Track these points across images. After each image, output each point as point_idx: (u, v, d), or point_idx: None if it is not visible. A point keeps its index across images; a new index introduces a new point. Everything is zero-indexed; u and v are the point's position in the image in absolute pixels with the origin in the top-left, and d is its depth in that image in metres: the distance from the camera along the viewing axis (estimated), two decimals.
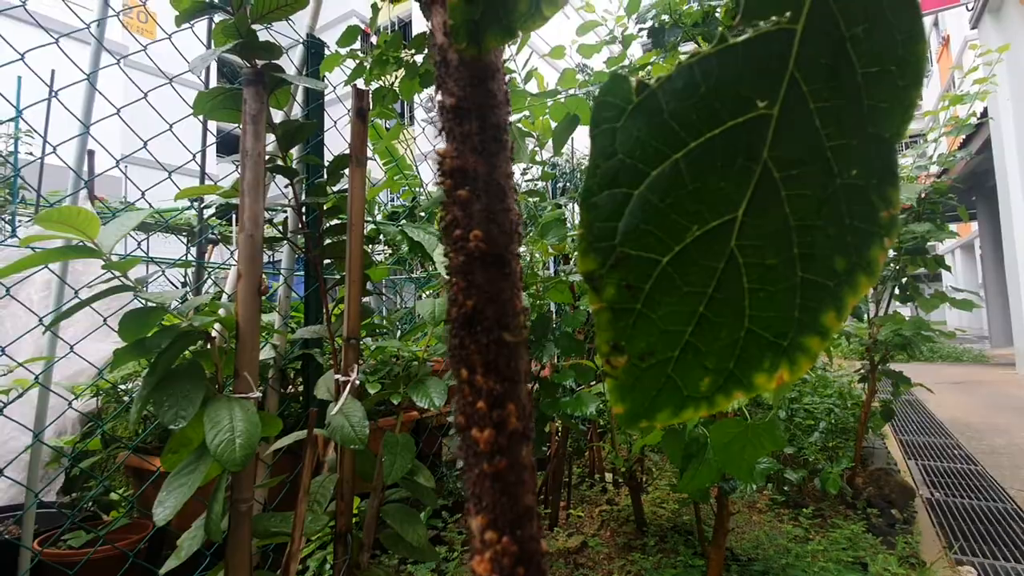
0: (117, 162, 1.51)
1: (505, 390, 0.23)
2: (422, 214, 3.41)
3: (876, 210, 0.21)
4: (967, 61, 10.98)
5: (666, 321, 0.22)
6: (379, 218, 3.47)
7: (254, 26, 1.14)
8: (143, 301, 0.99)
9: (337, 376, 1.22)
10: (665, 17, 1.96)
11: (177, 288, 3.90)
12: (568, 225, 3.45)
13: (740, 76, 0.21)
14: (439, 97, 0.24)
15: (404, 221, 3.56)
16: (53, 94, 1.41)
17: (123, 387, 2.07)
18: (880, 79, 0.21)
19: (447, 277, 0.24)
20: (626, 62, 2.73)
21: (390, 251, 3.38)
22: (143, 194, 1.58)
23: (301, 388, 2.11)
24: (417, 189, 3.62)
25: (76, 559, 1.55)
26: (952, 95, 2.65)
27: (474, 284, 0.24)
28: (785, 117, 0.21)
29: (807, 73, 0.21)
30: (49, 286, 2.77)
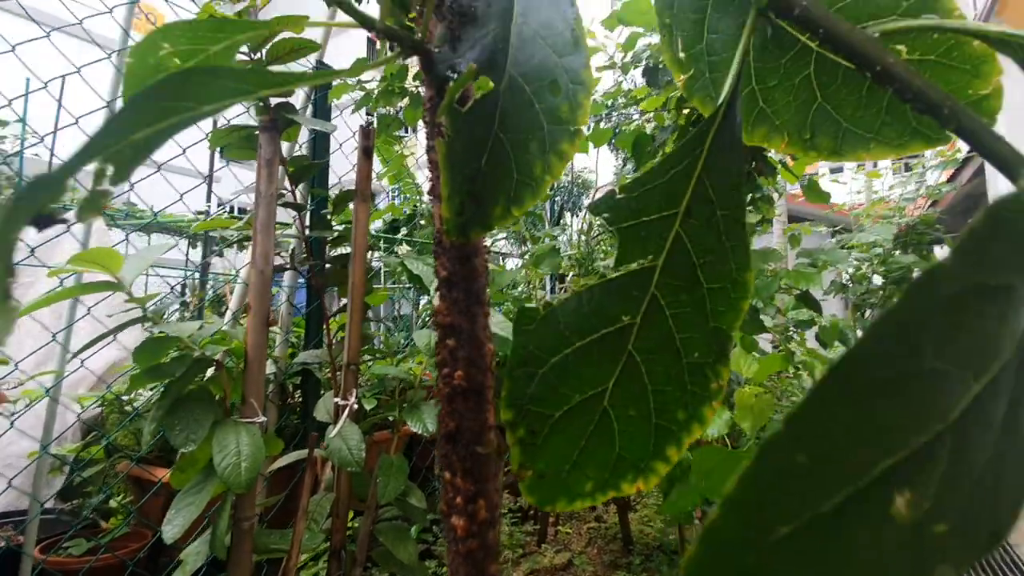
0: (131, 186, 1.58)
1: (477, 489, 0.31)
2: (422, 222, 3.48)
3: (709, 381, 0.31)
4: None
5: (558, 451, 0.32)
6: (379, 225, 3.55)
7: (270, 67, 1.22)
8: (157, 332, 1.05)
9: (336, 399, 1.29)
10: (660, 56, 2.04)
11: (173, 290, 3.95)
12: (564, 245, 3.52)
13: (612, 301, 0.31)
14: (437, 267, 0.32)
15: (404, 231, 3.64)
16: (75, 120, 1.48)
17: (125, 397, 2.13)
18: (720, 293, 0.31)
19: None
20: (625, 88, 2.81)
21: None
22: (155, 216, 1.64)
23: (299, 399, 2.17)
24: (418, 197, 3.69)
25: (78, 567, 1.60)
26: None
27: (456, 410, 0.32)
28: (645, 323, 0.31)
29: (664, 292, 0.31)
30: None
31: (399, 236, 3.43)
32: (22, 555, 1.56)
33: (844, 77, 0.33)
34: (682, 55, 0.34)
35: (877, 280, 3.35)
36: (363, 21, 0.27)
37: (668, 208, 0.30)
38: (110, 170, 0.21)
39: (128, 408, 2.08)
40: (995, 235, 0.14)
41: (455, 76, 0.27)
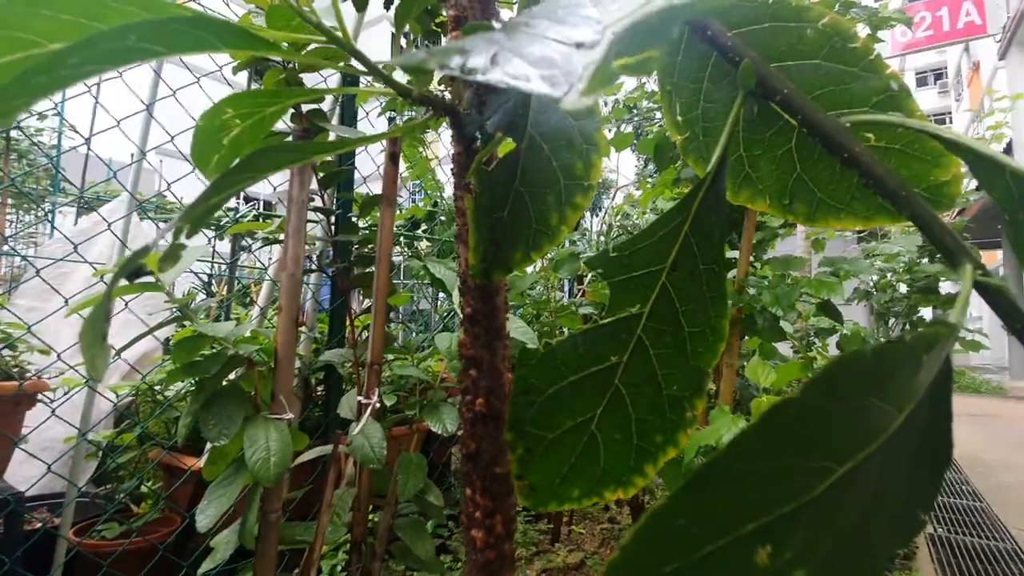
0: (168, 185, 1.64)
1: (495, 506, 0.35)
2: (442, 218, 3.53)
3: (685, 411, 0.35)
4: (998, 85, 10.85)
5: (551, 467, 0.37)
6: (399, 221, 3.61)
7: (301, 75, 1.27)
8: (189, 325, 1.11)
9: (359, 398, 1.33)
10: None
11: (206, 286, 4.07)
12: (583, 245, 3.53)
13: (602, 344, 0.35)
14: (462, 304, 0.35)
15: (424, 227, 3.70)
16: (117, 123, 1.54)
17: (157, 387, 2.21)
18: (699, 336, 0.35)
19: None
20: (649, 89, 2.82)
21: (409, 253, 3.51)
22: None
23: (322, 393, 2.23)
24: (438, 193, 3.75)
25: (111, 550, 1.67)
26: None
27: (477, 434, 0.35)
28: (632, 361, 0.36)
29: (649, 335, 0.35)
30: (89, 281, 2.93)
31: (419, 233, 3.49)
32: (57, 537, 1.65)
33: (821, 154, 0.36)
34: (680, 119, 0.38)
35: (902, 288, 3.30)
36: (401, 91, 0.30)
37: (656, 264, 0.34)
38: (187, 228, 0.24)
39: (160, 398, 2.16)
40: (847, 372, 0.18)
41: (481, 136, 0.30)
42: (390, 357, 1.91)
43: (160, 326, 1.03)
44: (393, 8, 1.68)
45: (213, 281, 4.24)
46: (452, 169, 0.35)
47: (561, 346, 0.35)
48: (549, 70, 0.15)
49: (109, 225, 1.57)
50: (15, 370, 1.67)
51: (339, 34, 0.29)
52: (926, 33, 8.47)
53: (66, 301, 1.55)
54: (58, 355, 1.53)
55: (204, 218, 0.25)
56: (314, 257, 1.54)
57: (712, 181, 0.31)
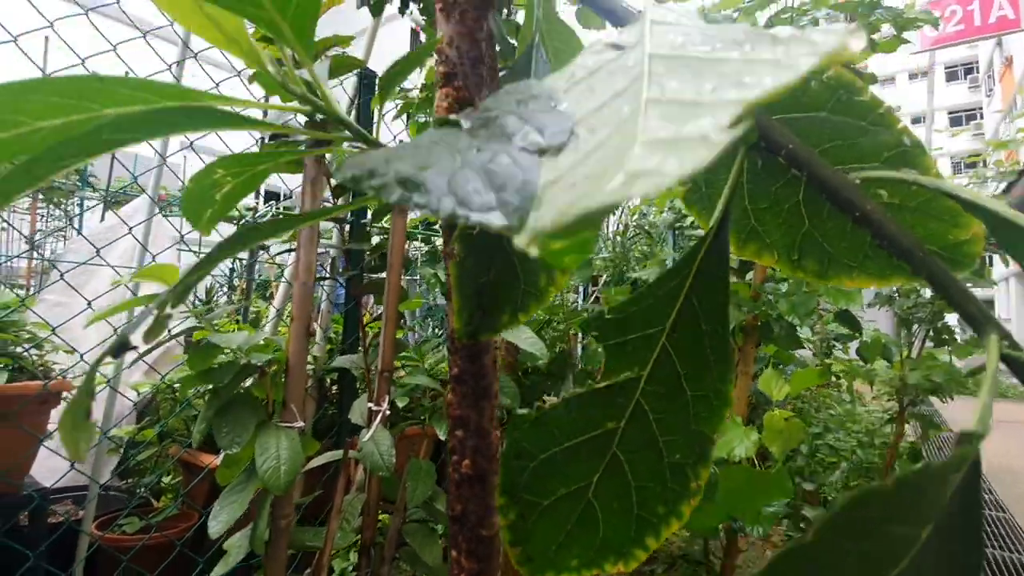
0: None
1: (480, 568, 0.35)
2: None
3: (689, 480, 0.34)
4: None
5: (546, 534, 0.36)
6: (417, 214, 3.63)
7: None
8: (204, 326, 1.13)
9: (370, 405, 1.35)
10: None
11: (229, 283, 4.14)
12: (598, 249, 3.50)
13: (597, 409, 0.34)
14: (450, 363, 0.35)
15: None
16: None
17: (176, 385, 2.26)
18: (703, 400, 0.33)
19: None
20: None
21: (426, 248, 3.52)
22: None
23: (337, 392, 2.26)
24: None
25: (131, 545, 1.72)
26: (995, 141, 2.63)
27: (463, 495, 0.35)
28: (630, 427, 0.34)
29: (649, 399, 0.34)
30: (115, 279, 2.99)
31: (437, 229, 3.49)
32: (79, 533, 1.69)
33: (830, 210, 0.34)
34: None
35: (927, 293, 3.22)
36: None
37: (655, 325, 0.33)
38: (171, 301, 0.25)
39: (179, 396, 2.21)
40: (863, 508, 0.18)
41: None
42: (402, 363, 1.92)
43: (178, 335, 1.04)
44: (410, 10, 1.68)
45: (235, 279, 4.32)
46: (440, 230, 0.35)
47: (553, 412, 0.34)
48: (508, 194, 0.14)
49: (131, 229, 1.60)
50: (40, 370, 1.71)
51: (323, 103, 0.29)
52: (957, 27, 8.25)
53: (89, 304, 1.58)
54: (81, 356, 1.57)
55: (186, 293, 0.25)
56: (326, 266, 1.56)
57: (715, 237, 0.30)
